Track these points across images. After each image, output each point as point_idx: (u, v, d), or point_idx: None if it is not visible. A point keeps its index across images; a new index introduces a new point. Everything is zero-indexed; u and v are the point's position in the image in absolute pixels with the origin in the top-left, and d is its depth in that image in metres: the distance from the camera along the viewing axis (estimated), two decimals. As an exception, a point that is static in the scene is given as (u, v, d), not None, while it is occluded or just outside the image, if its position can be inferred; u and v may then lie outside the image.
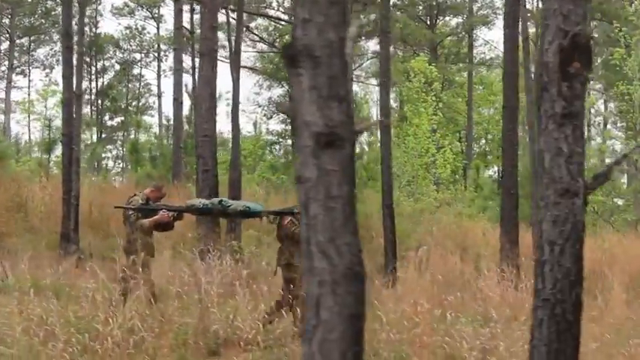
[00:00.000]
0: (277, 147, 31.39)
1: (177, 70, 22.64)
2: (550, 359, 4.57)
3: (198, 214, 9.38)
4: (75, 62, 14.79)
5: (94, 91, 45.93)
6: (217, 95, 14.53)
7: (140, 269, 8.20)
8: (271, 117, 39.32)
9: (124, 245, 8.78)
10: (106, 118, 47.93)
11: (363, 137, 31.80)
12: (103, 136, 46.34)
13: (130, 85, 48.41)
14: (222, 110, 28.77)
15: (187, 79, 26.90)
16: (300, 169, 3.01)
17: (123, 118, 44.48)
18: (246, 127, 36.01)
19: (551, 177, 4.63)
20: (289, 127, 36.85)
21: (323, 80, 2.99)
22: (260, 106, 39.40)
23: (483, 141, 40.98)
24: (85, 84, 46.35)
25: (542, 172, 4.65)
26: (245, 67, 30.57)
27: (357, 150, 32.56)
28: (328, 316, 2.97)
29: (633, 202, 21.28)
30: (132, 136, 29.39)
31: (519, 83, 14.80)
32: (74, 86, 14.44)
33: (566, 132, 4.62)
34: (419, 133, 23.59)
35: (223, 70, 20.54)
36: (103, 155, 44.23)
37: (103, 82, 47.43)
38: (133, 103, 48.41)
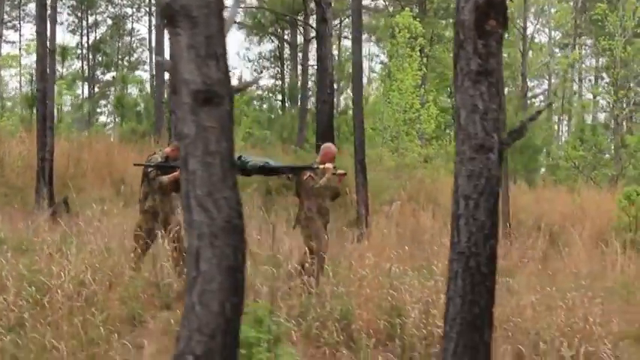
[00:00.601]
0: (268, 102, 31.30)
1: (159, 27, 22.56)
2: (464, 310, 4.70)
3: None
4: (49, 18, 14.74)
5: (84, 45, 45.65)
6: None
7: (163, 227, 8.37)
8: (262, 72, 39.23)
9: (140, 202, 8.81)
10: (98, 73, 47.74)
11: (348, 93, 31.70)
12: (96, 91, 46.28)
13: (124, 40, 48.18)
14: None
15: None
16: (179, 126, 3.10)
17: (115, 74, 44.32)
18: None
19: (466, 133, 4.71)
20: (280, 82, 36.86)
21: (200, 40, 3.07)
22: (250, 61, 39.30)
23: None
24: (75, 39, 46.34)
25: (459, 128, 4.74)
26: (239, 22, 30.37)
27: (342, 106, 32.64)
28: (207, 268, 3.08)
29: (614, 157, 21.38)
30: (124, 91, 29.33)
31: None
32: (48, 42, 14.41)
33: (481, 89, 4.70)
34: (403, 88, 23.56)
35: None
36: (99, 110, 44.28)
37: (95, 37, 47.16)
38: (126, 58, 48.20)
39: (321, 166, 8.69)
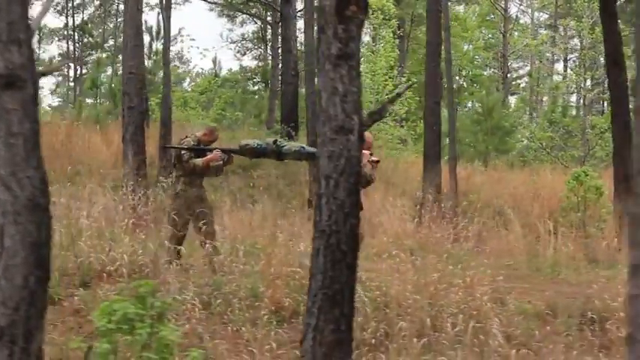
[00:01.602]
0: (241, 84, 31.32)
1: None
2: (325, 286, 4.86)
3: (252, 155, 8.99)
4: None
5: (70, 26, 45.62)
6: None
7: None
8: (245, 53, 39.27)
9: (173, 186, 8.88)
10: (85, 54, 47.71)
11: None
12: (84, 72, 46.30)
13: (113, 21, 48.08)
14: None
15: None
16: (-16, 109, 3.24)
17: (101, 55, 44.31)
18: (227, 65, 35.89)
19: (327, 115, 4.86)
20: (262, 64, 36.88)
21: (3, 26, 3.21)
22: (233, 42, 39.29)
23: (457, 77, 40.98)
24: (61, 20, 46.32)
25: (320, 110, 4.88)
26: (210, 1, 30.37)
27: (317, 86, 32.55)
28: (11, 244, 3.23)
29: (581, 138, 21.52)
30: (109, 73, 29.43)
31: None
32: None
33: (341, 72, 4.84)
34: (376, 70, 23.71)
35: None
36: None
37: (82, 18, 47.12)
38: (112, 40, 48.12)
39: None
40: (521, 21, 42.57)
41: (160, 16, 17.55)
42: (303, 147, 8.56)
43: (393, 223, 10.47)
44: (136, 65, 13.57)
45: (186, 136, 9.11)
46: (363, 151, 8.76)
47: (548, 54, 32.39)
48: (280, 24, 21.92)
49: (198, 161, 8.58)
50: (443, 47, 13.96)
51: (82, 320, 6.87)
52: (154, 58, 24.08)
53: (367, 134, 9.48)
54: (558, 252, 10.09)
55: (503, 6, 37.30)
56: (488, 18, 41.12)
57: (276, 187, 15.07)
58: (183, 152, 8.70)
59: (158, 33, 24.58)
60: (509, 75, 38.95)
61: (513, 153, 23.08)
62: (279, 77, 22.19)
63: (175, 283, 7.07)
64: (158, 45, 23.85)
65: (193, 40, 67.93)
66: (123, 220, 9.08)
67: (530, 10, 41.33)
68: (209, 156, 8.60)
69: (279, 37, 23.35)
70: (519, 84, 45.17)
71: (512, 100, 41.58)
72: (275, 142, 8.38)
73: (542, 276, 9.14)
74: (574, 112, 27.88)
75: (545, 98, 36.26)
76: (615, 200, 13.01)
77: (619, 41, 12.94)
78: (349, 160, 4.83)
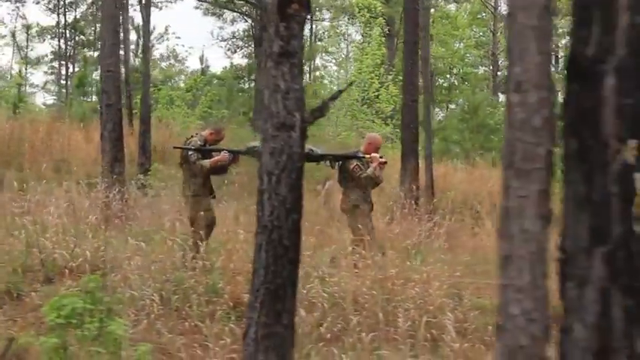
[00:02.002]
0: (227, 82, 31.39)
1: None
2: (267, 281, 4.92)
3: (260, 156, 8.83)
4: None
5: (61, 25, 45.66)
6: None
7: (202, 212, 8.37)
8: (235, 51, 39.38)
9: (182, 187, 8.87)
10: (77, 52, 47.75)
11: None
12: (76, 70, 46.30)
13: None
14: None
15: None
16: None
17: (88, 53, 44.33)
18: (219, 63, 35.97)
19: (269, 112, 4.91)
20: (251, 61, 36.96)
21: None
22: (224, 40, 39.38)
23: (448, 76, 41.13)
24: (53, 18, 46.36)
25: (263, 107, 4.95)
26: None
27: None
28: None
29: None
30: (86, 71, 29.40)
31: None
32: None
33: (283, 70, 4.89)
34: (362, 67, 23.80)
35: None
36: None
37: (75, 16, 47.17)
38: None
39: (367, 156, 8.80)
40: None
41: (143, 13, 17.43)
42: (311, 149, 8.60)
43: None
44: (113, 63, 13.62)
45: (192, 136, 9.04)
46: (373, 154, 8.84)
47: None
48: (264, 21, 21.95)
49: (206, 162, 8.54)
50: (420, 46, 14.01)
51: (41, 316, 6.91)
52: (141, 56, 24.12)
53: (376, 136, 9.51)
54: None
55: (493, 4, 37.42)
56: (479, 16, 41.22)
57: (255, 184, 15.07)
58: (190, 153, 8.61)
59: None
60: (499, 73, 39.04)
61: (496, 151, 23.09)
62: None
63: (136, 278, 7.13)
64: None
65: (179, 38, 68.02)
66: (91, 216, 9.16)
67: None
68: (217, 157, 8.58)
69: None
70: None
71: (503, 98, 41.71)
72: None
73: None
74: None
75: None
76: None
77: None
78: (291, 156, 4.89)
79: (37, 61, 42.37)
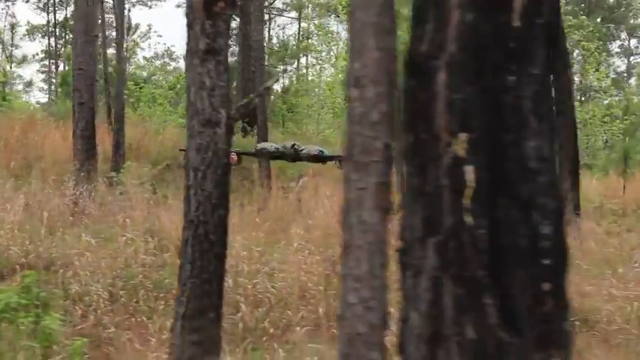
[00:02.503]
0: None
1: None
2: (194, 275, 5.00)
3: (270, 157, 8.82)
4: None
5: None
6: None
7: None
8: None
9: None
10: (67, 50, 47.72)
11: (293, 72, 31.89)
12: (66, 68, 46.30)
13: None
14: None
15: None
16: None
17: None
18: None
19: (195, 108, 5.00)
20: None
21: None
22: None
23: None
24: (43, 17, 46.39)
25: (189, 104, 5.02)
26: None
27: (287, 84, 32.89)
28: None
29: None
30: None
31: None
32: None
33: (208, 67, 4.98)
34: (338, 66, 23.95)
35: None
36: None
37: (65, 15, 47.17)
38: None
39: None
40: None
41: (130, 12, 17.47)
42: (322, 151, 8.64)
43: (327, 217, 10.59)
44: (86, 61, 13.66)
45: None
46: None
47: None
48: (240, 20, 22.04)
49: None
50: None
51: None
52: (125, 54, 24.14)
53: None
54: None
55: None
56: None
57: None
58: None
59: (129, 29, 24.70)
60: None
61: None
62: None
63: (86, 274, 7.20)
64: (128, 41, 23.95)
65: (160, 36, 68.35)
66: (51, 213, 9.21)
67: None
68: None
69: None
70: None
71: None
72: (293, 145, 8.49)
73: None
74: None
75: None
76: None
77: (562, 35, 13.10)
78: (216, 152, 4.97)
79: (23, 60, 42.31)
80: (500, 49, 2.29)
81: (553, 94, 2.41)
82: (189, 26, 4.97)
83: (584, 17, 26.08)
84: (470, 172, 2.26)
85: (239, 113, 5.10)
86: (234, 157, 8.56)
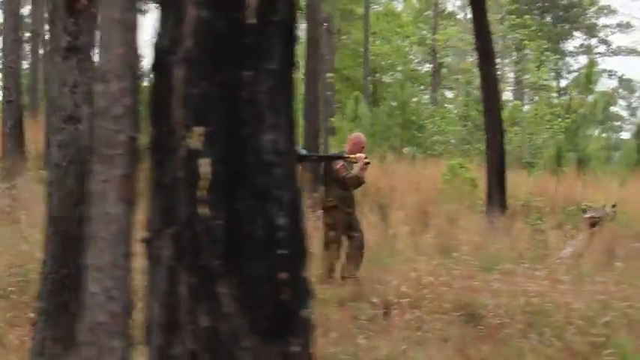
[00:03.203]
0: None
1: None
2: (54, 270, 5.02)
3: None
4: None
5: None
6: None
7: None
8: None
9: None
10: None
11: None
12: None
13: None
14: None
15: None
16: None
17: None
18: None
19: (57, 105, 5.03)
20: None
21: None
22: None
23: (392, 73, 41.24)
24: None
25: (50, 100, 5.05)
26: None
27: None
28: None
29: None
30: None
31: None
32: None
33: (71, 64, 5.01)
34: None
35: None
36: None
37: (21, 14, 46.67)
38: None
39: (352, 156, 8.72)
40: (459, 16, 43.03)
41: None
42: (313, 154, 8.63)
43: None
44: (15, 60, 13.60)
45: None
46: (359, 154, 8.86)
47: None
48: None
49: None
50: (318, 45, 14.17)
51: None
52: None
53: (360, 135, 9.51)
54: (405, 243, 10.25)
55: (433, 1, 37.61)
56: (426, 13, 41.46)
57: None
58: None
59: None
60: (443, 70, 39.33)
61: (414, 147, 23.37)
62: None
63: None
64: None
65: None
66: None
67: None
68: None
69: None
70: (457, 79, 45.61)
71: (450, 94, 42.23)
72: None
73: (378, 266, 9.32)
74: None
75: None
76: (488, 191, 13.30)
77: (488, 35, 13.25)
78: (78, 149, 4.99)
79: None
80: (236, 45, 2.35)
81: (293, 89, 2.47)
82: (52, 24, 4.99)
83: (527, 16, 26.35)
84: (205, 165, 2.32)
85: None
86: None
